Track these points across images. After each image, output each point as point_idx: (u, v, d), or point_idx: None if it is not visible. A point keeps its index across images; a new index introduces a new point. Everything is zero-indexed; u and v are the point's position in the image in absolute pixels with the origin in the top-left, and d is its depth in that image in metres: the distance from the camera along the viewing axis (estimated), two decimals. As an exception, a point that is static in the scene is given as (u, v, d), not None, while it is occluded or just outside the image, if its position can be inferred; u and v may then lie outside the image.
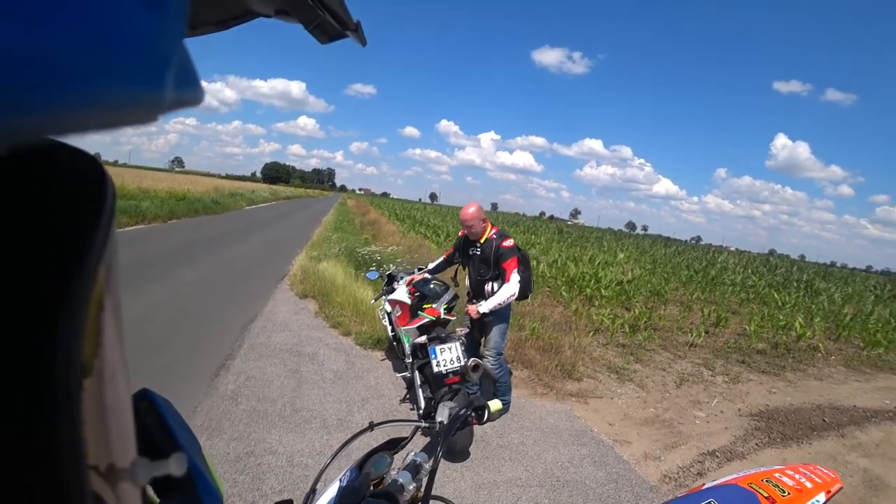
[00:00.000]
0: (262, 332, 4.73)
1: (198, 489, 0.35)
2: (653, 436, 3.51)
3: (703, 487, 1.37)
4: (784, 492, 1.33)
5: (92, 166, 0.20)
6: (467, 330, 3.42)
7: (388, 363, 4.23)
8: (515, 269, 3.10)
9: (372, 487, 0.87)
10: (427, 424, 1.10)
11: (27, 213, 0.18)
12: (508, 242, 3.16)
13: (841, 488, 1.47)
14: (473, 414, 1.09)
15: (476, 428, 3.16)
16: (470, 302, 3.39)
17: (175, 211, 15.13)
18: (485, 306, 3.12)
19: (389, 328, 3.74)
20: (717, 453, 3.38)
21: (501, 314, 3.26)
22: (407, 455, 0.98)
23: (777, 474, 1.44)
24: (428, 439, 2.61)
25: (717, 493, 1.32)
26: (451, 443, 2.71)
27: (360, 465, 0.98)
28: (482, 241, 3.26)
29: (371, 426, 1.07)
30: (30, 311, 0.17)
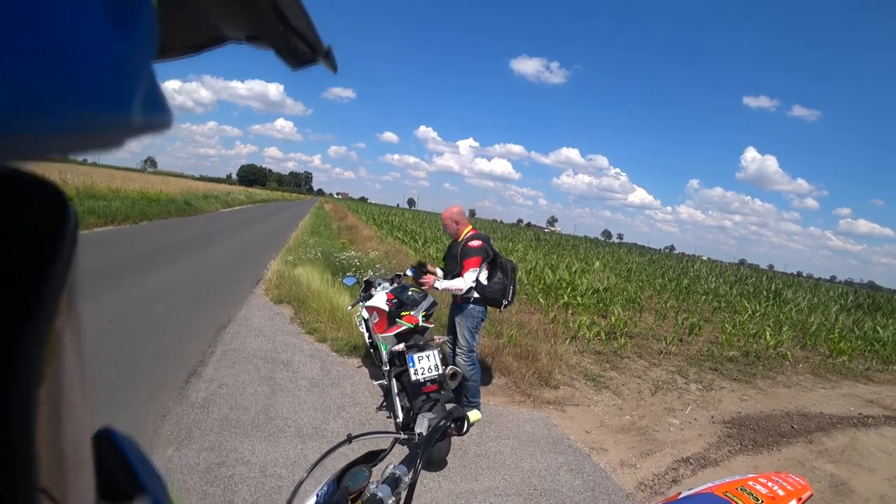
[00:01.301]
0: (235, 338, 4.62)
1: None
2: (629, 443, 3.53)
3: (679, 496, 1.38)
4: (758, 500, 1.36)
5: (53, 193, 0.19)
6: (445, 338, 3.42)
7: (365, 370, 4.17)
8: (472, 269, 3.24)
9: (350, 502, 0.85)
10: (406, 436, 1.08)
11: None
12: (475, 243, 3.31)
13: (811, 495, 1.50)
14: (453, 425, 1.08)
15: (453, 437, 3.13)
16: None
17: (147, 212, 14.72)
18: (439, 283, 3.31)
19: (367, 335, 3.69)
20: (691, 460, 3.42)
21: (467, 313, 3.39)
22: (385, 468, 0.95)
23: (751, 482, 1.47)
24: (407, 451, 2.57)
25: (692, 501, 1.33)
26: (428, 453, 2.67)
27: (338, 478, 0.95)
28: (459, 240, 3.43)
29: (349, 438, 1.04)
30: None
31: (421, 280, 3.40)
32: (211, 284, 6.83)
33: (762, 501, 1.36)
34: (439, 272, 3.61)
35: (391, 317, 3.19)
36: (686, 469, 3.29)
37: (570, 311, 7.62)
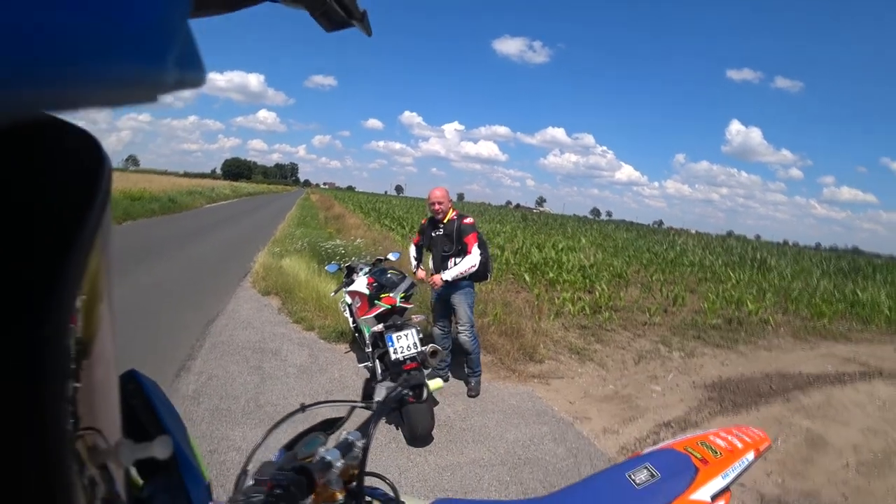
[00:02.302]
0: (224, 331, 4.65)
1: (182, 474, 0.35)
2: (611, 411, 3.64)
3: (642, 453, 1.45)
4: (716, 452, 1.42)
5: (90, 143, 0.20)
6: (423, 318, 3.49)
7: (353, 355, 4.24)
8: (476, 244, 3.41)
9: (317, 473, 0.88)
10: (363, 404, 1.11)
11: (24, 188, 0.18)
12: (469, 220, 3.49)
13: (770, 446, 1.58)
14: (410, 392, 1.12)
15: (439, 413, 3.22)
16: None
17: (130, 212, 14.49)
18: (447, 274, 3.42)
19: (351, 320, 3.75)
20: (672, 424, 3.54)
21: (465, 290, 3.54)
22: (340, 434, 0.99)
23: (711, 437, 1.53)
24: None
25: (653, 457, 1.39)
26: (412, 428, 2.75)
27: (290, 445, 0.99)
28: (445, 221, 3.52)
29: (302, 407, 1.07)
30: (24, 285, 0.17)
31: (430, 280, 3.53)
32: (198, 280, 6.83)
33: (720, 454, 1.42)
34: (430, 266, 3.70)
35: (371, 299, 3.25)
36: (667, 432, 3.41)
37: (556, 288, 7.72)
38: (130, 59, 0.15)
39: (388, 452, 2.76)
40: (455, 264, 3.46)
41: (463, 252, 3.44)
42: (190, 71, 0.18)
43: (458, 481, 2.54)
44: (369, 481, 0.97)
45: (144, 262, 7.71)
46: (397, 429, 2.97)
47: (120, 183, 23.47)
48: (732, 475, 1.37)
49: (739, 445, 1.49)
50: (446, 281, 3.46)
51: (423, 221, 3.86)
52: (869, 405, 4.30)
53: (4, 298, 0.16)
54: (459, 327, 3.59)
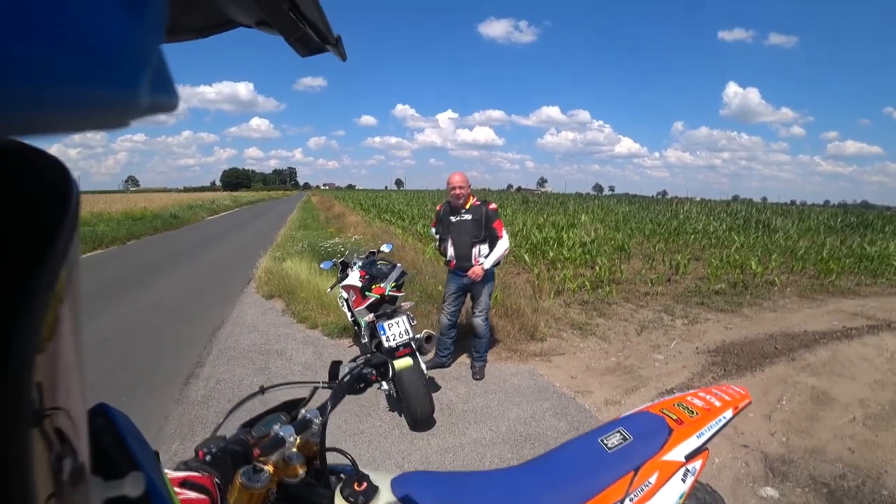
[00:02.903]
0: (230, 337, 4.72)
1: None
2: (614, 383, 3.67)
3: (618, 418, 1.46)
4: (692, 412, 1.42)
5: (56, 167, 0.20)
6: (412, 304, 3.53)
7: (356, 349, 4.29)
8: (503, 227, 3.48)
9: (256, 445, 0.90)
10: (325, 384, 1.13)
11: None
12: (494, 206, 3.52)
13: (749, 403, 1.58)
14: (373, 371, 1.15)
15: (440, 397, 3.26)
16: (455, 270, 3.62)
17: (133, 231, 14.69)
18: (487, 262, 3.47)
19: (349, 314, 3.80)
20: (674, 391, 3.55)
21: (489, 276, 3.61)
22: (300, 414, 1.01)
23: (689, 398, 1.53)
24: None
25: (627, 421, 1.40)
26: (411, 412, 2.80)
27: (249, 424, 1.02)
28: (467, 206, 3.50)
29: (262, 390, 1.10)
30: None
31: (469, 273, 3.50)
32: (202, 291, 6.92)
33: (697, 413, 1.42)
34: (451, 253, 3.63)
35: (363, 291, 3.29)
36: (669, 399, 3.43)
37: (557, 267, 7.72)
38: (103, 85, 0.15)
39: (391, 439, 2.81)
40: (480, 252, 3.50)
41: (492, 238, 3.48)
42: (163, 95, 0.18)
43: (461, 461, 2.59)
44: (331, 457, 1.01)
45: (149, 278, 7.83)
46: (400, 416, 3.02)
47: (121, 204, 23.75)
48: (708, 434, 1.38)
49: (717, 404, 1.49)
50: (460, 283, 3.57)
51: (438, 208, 3.78)
52: (877, 358, 4.28)
53: None
54: (476, 311, 3.65)
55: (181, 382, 3.67)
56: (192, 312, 5.68)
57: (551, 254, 8.13)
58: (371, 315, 3.06)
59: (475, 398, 3.33)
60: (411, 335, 2.90)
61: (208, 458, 0.79)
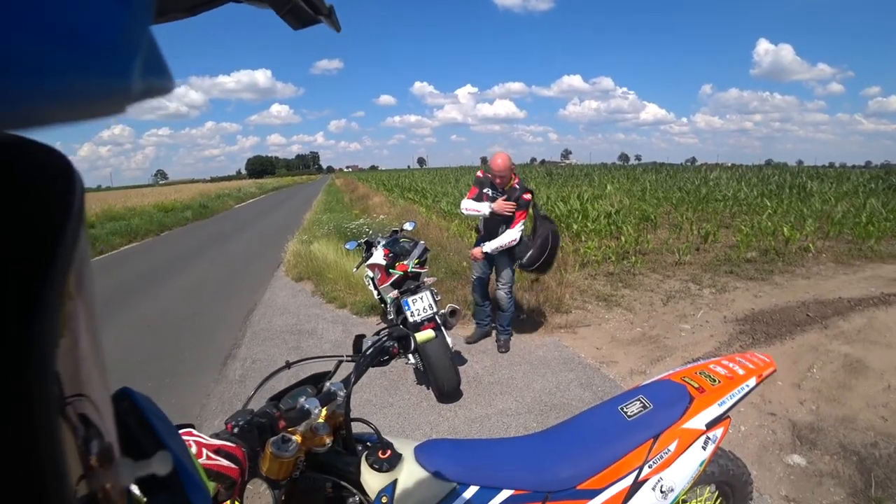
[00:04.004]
0: (262, 319, 4.90)
1: (184, 487, 0.35)
2: (639, 353, 3.68)
3: (639, 386, 1.47)
4: (714, 380, 1.42)
5: (58, 161, 0.19)
6: (435, 279, 3.60)
7: (384, 325, 4.38)
8: (522, 220, 3.44)
9: (282, 417, 0.95)
10: (349, 358, 1.17)
11: None
12: (527, 196, 3.45)
13: (774, 371, 1.55)
14: (395, 344, 1.20)
15: (467, 369, 3.34)
16: (478, 242, 3.69)
17: (165, 223, 15.25)
18: (487, 247, 3.50)
19: (375, 292, 3.89)
20: (700, 360, 3.52)
21: (511, 252, 3.58)
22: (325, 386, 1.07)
23: (712, 365, 1.51)
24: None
25: (647, 389, 1.41)
26: (438, 384, 2.89)
27: (276, 397, 1.08)
28: (507, 187, 3.50)
29: (287, 364, 1.15)
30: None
31: (471, 252, 3.64)
32: (235, 276, 7.17)
33: (719, 382, 1.41)
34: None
35: (387, 269, 3.36)
36: (696, 367, 3.42)
37: (581, 239, 7.66)
38: (94, 73, 0.14)
39: (419, 411, 2.91)
40: (502, 231, 3.51)
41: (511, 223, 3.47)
42: (156, 78, 0.18)
43: (487, 431, 2.67)
44: (356, 427, 1.07)
45: (183, 266, 8.15)
46: (428, 388, 3.12)
47: (153, 197, 24.45)
48: (730, 402, 1.38)
49: (740, 372, 1.47)
50: (486, 253, 3.58)
51: (478, 174, 3.70)
52: (916, 323, 4.15)
53: None
54: (499, 284, 3.69)
55: (219, 363, 3.85)
56: (226, 297, 5.91)
57: (575, 226, 8.05)
58: (396, 291, 3.14)
59: (501, 370, 3.41)
60: (435, 310, 2.97)
61: (236, 430, 0.86)
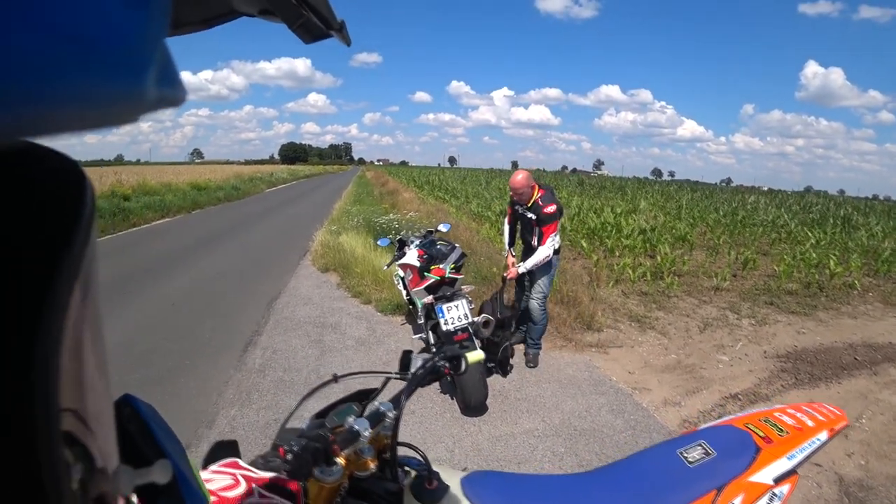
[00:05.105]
0: (286, 308, 4.87)
1: (183, 496, 0.35)
2: (673, 382, 3.51)
3: (697, 429, 1.36)
4: (782, 431, 1.30)
5: (70, 168, 0.20)
6: (473, 288, 3.49)
7: (409, 327, 4.32)
8: (552, 234, 3.35)
9: (330, 435, 0.88)
10: (398, 375, 1.11)
11: (3, 218, 0.17)
12: (550, 209, 3.35)
13: (846, 426, 1.42)
14: (447, 364, 1.11)
15: (493, 383, 3.22)
16: (521, 254, 3.72)
17: (198, 201, 15.54)
18: (523, 267, 3.43)
19: (404, 292, 3.81)
20: (739, 396, 3.36)
21: (547, 263, 3.51)
22: (372, 405, 0.99)
23: (777, 413, 1.40)
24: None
25: (709, 434, 1.30)
26: (465, 398, 2.78)
27: (321, 414, 1.01)
28: (530, 204, 3.44)
29: (335, 378, 1.09)
30: (6, 317, 0.16)
31: (504, 275, 3.58)
32: (261, 260, 7.19)
33: (787, 432, 1.30)
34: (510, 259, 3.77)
35: (421, 271, 3.27)
36: (734, 405, 3.24)
37: (615, 254, 7.47)
38: (108, 82, 0.15)
39: (441, 422, 2.80)
40: (537, 247, 3.46)
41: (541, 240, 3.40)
42: (169, 89, 0.18)
43: (512, 452, 2.55)
44: (402, 451, 0.98)
45: (212, 247, 8.23)
46: (452, 399, 3.01)
47: (187, 175, 24.99)
48: (800, 456, 1.26)
49: (810, 424, 1.35)
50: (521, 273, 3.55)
51: (511, 193, 3.70)
52: (975, 378, 3.87)
53: None
54: (533, 295, 3.59)
55: (240, 349, 3.82)
56: (252, 281, 5.92)
57: (609, 241, 7.85)
58: (430, 297, 3.05)
59: (528, 386, 3.27)
60: (470, 319, 2.87)
61: (290, 456, 0.78)
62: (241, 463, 0.69)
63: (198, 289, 5.53)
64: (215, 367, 3.49)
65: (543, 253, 3.35)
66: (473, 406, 2.81)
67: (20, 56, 0.12)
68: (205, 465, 0.79)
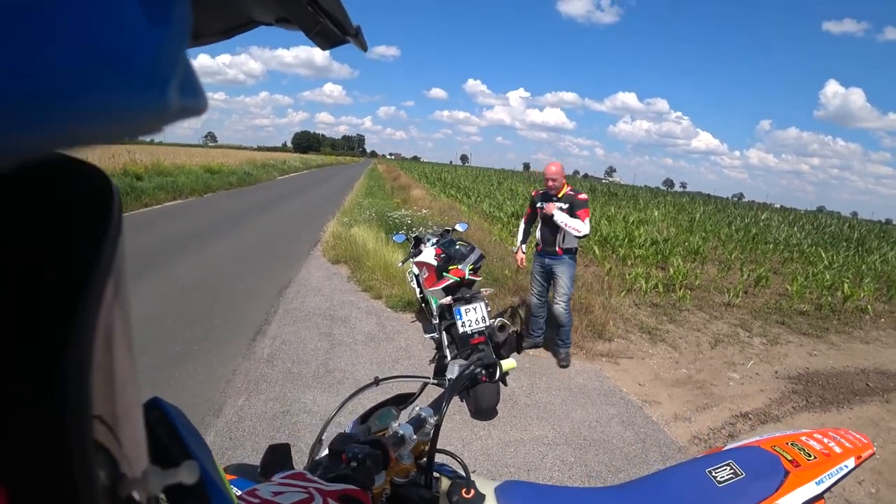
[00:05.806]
0: (296, 298, 4.88)
1: (210, 497, 0.36)
2: (684, 397, 3.48)
3: (724, 449, 1.35)
4: (810, 455, 1.28)
5: (99, 177, 0.21)
6: (491, 291, 3.49)
7: (419, 325, 4.31)
8: (588, 217, 3.56)
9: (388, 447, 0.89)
10: (436, 381, 1.11)
11: (36, 229, 0.18)
12: (583, 196, 3.62)
13: (872, 454, 1.41)
14: (483, 371, 1.10)
15: (503, 388, 3.21)
16: (540, 253, 3.84)
17: (210, 185, 15.55)
18: (559, 216, 3.52)
19: (418, 290, 3.80)
20: (750, 415, 3.32)
21: (569, 262, 3.72)
22: (412, 410, 0.99)
23: (804, 437, 1.39)
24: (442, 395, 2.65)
25: (737, 454, 1.29)
26: (477, 402, 2.76)
27: (364, 418, 1.01)
28: (561, 195, 3.64)
29: (377, 381, 1.09)
30: (39, 327, 0.17)
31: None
32: (271, 248, 7.19)
33: (815, 457, 1.28)
34: (537, 236, 3.89)
35: (439, 271, 3.25)
36: (744, 424, 3.21)
37: (627, 264, 7.42)
38: (132, 95, 0.15)
39: (451, 424, 2.79)
40: (563, 240, 3.64)
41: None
42: (191, 100, 0.19)
43: (522, 458, 2.53)
44: (440, 458, 0.98)
45: (222, 232, 8.25)
46: (461, 401, 3.00)
47: (200, 158, 25.03)
48: (828, 482, 1.22)
49: (837, 450, 1.33)
50: (544, 266, 3.75)
51: (533, 193, 3.94)
52: None
53: (21, 354, 0.16)
54: (557, 297, 3.69)
55: (249, 338, 3.82)
56: (262, 268, 5.92)
57: (622, 251, 7.81)
58: (448, 298, 3.02)
59: (538, 393, 3.25)
60: (487, 323, 2.85)
61: (354, 464, 0.77)
62: (308, 475, 0.68)
63: (208, 273, 5.53)
64: (224, 354, 3.49)
65: (579, 224, 3.49)
66: (484, 410, 2.79)
67: (55, 75, 0.12)
68: (263, 471, 0.78)
